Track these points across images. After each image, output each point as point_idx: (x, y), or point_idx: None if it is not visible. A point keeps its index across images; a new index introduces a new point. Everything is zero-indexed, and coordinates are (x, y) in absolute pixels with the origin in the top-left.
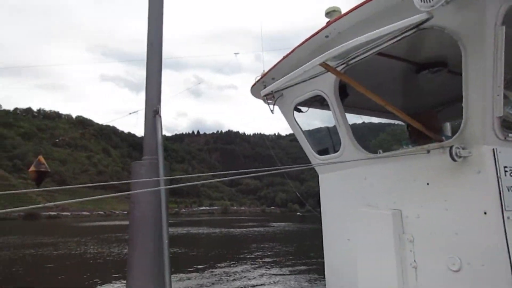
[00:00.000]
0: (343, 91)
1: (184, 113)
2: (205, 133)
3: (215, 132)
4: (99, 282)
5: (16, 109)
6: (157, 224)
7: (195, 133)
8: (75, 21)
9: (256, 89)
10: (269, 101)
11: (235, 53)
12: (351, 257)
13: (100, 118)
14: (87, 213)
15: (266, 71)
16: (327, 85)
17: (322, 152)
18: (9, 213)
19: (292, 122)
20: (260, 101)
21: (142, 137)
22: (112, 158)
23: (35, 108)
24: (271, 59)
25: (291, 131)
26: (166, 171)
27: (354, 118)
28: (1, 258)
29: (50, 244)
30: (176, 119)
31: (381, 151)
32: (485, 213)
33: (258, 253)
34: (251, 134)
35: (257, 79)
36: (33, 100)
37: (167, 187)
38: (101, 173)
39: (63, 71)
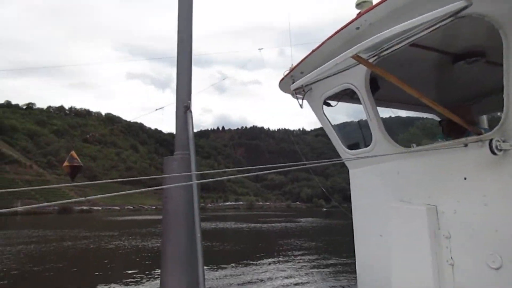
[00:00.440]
0: (373, 84)
1: (209, 109)
2: (230, 128)
3: (239, 127)
4: (137, 272)
5: (49, 107)
6: (189, 218)
7: (220, 129)
8: (102, 21)
9: (284, 84)
10: (298, 96)
11: (259, 49)
12: (383, 253)
13: (128, 115)
14: (117, 208)
15: (294, 65)
16: (357, 78)
17: (353, 146)
18: (45, 208)
19: (321, 116)
20: (285, 96)
21: (168, 134)
22: (139, 154)
23: (67, 106)
24: (295, 55)
25: (316, 126)
26: (197, 166)
27: (382, 112)
28: (43, 250)
29: (84, 237)
30: (202, 115)
31: (414, 145)
32: None
33: (286, 247)
34: (276, 130)
35: (285, 74)
36: (65, 98)
37: (199, 181)
38: (130, 169)
39: (92, 70)
